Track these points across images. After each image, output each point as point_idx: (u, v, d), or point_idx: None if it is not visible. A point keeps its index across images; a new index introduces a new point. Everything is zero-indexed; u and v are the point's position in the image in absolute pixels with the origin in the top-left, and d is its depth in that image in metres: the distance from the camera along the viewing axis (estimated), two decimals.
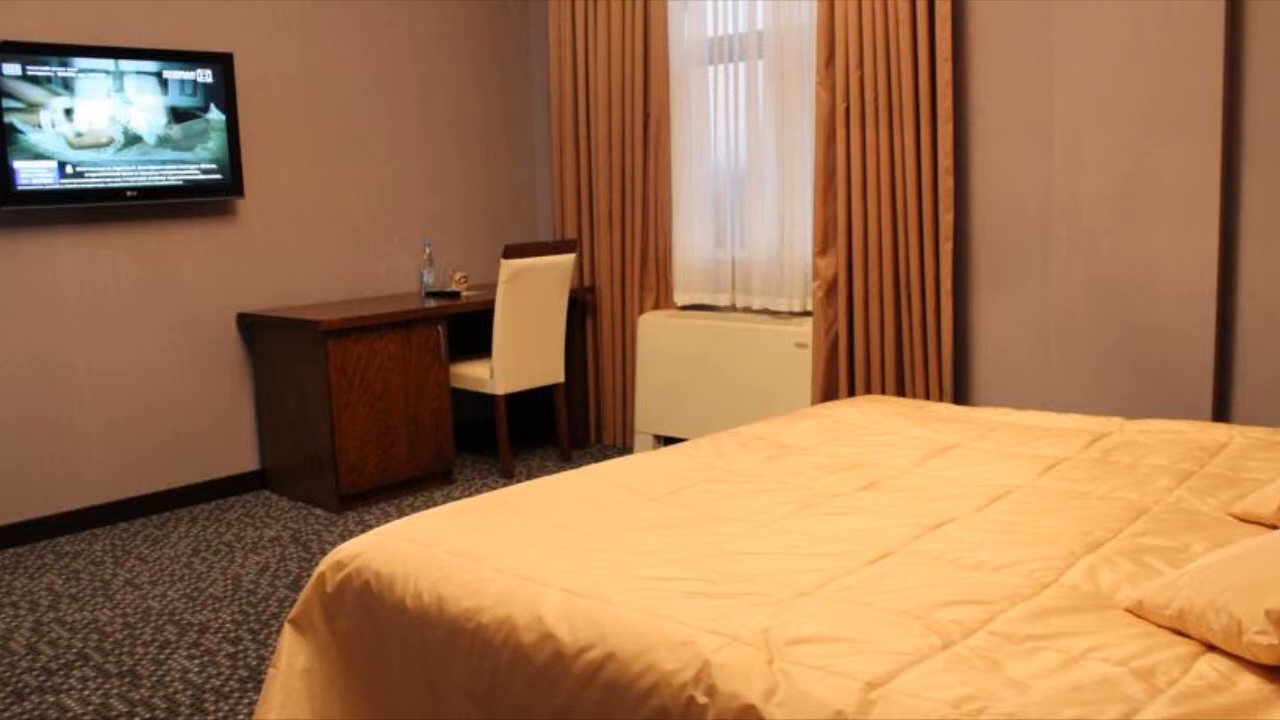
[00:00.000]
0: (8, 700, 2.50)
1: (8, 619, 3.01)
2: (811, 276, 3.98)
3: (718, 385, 4.26)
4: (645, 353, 4.50)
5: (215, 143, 3.95)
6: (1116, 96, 3.21)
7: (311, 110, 4.34)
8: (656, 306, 4.63)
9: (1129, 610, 1.51)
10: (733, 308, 4.44)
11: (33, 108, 3.50)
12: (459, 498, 3.96)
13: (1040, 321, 3.51)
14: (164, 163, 3.82)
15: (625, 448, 4.73)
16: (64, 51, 3.55)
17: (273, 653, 2.20)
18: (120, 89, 3.69)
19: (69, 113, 3.58)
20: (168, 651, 2.75)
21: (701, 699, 1.37)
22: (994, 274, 3.60)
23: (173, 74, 3.81)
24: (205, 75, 3.89)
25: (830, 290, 3.87)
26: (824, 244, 3.86)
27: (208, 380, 4.10)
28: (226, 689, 2.52)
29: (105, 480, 3.85)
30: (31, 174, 3.50)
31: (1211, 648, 1.38)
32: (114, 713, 2.43)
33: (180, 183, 3.87)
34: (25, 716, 2.42)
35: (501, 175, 5.07)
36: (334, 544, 3.56)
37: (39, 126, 3.52)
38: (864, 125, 3.71)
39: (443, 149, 4.82)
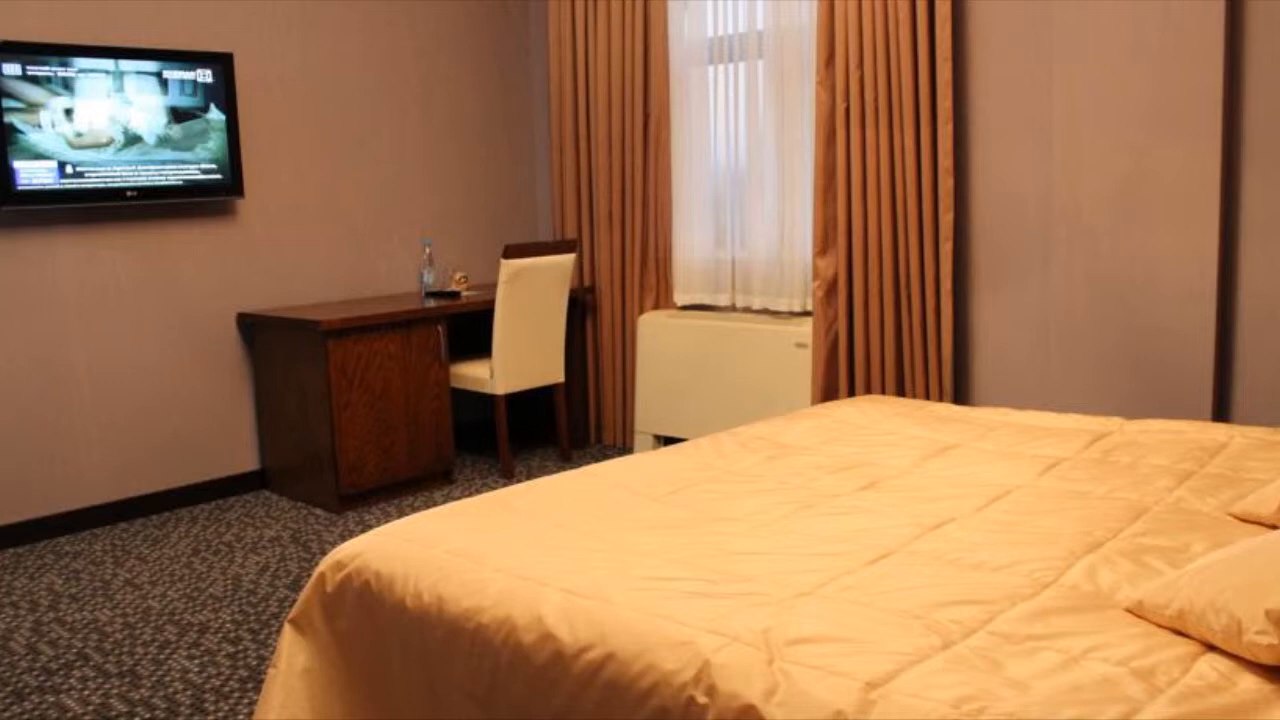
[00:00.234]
0: (8, 700, 2.50)
1: (8, 619, 3.01)
2: (811, 276, 3.98)
3: (718, 385, 4.26)
4: (645, 353, 4.50)
5: (215, 143, 3.95)
6: (1116, 96, 3.21)
7: (311, 110, 4.34)
8: (656, 306, 4.63)
9: (1129, 610, 1.51)
10: (733, 308, 4.44)
11: (33, 108, 3.50)
12: (459, 498, 3.96)
13: (1040, 321, 3.51)
14: (164, 163, 3.82)
15: (625, 448, 4.73)
16: (64, 51, 3.55)
17: (273, 653, 2.20)
18: (120, 89, 3.69)
19: (69, 113, 3.58)
20: (168, 651, 2.75)
21: (701, 699, 1.37)
22: (994, 274, 3.60)
23: (173, 74, 3.81)
24: (205, 75, 3.89)
25: (830, 290, 3.87)
26: (824, 244, 3.86)
27: (208, 380, 4.10)
28: (226, 689, 2.52)
29: (105, 480, 3.85)
30: (31, 174, 3.50)
31: (1211, 648, 1.38)
32: (114, 713, 2.43)
33: (180, 183, 3.87)
34: (25, 716, 2.43)
35: (501, 175, 5.07)
36: (334, 544, 3.56)
37: (39, 126, 3.52)
38: (864, 125, 3.71)
39: (443, 149, 4.82)
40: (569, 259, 4.36)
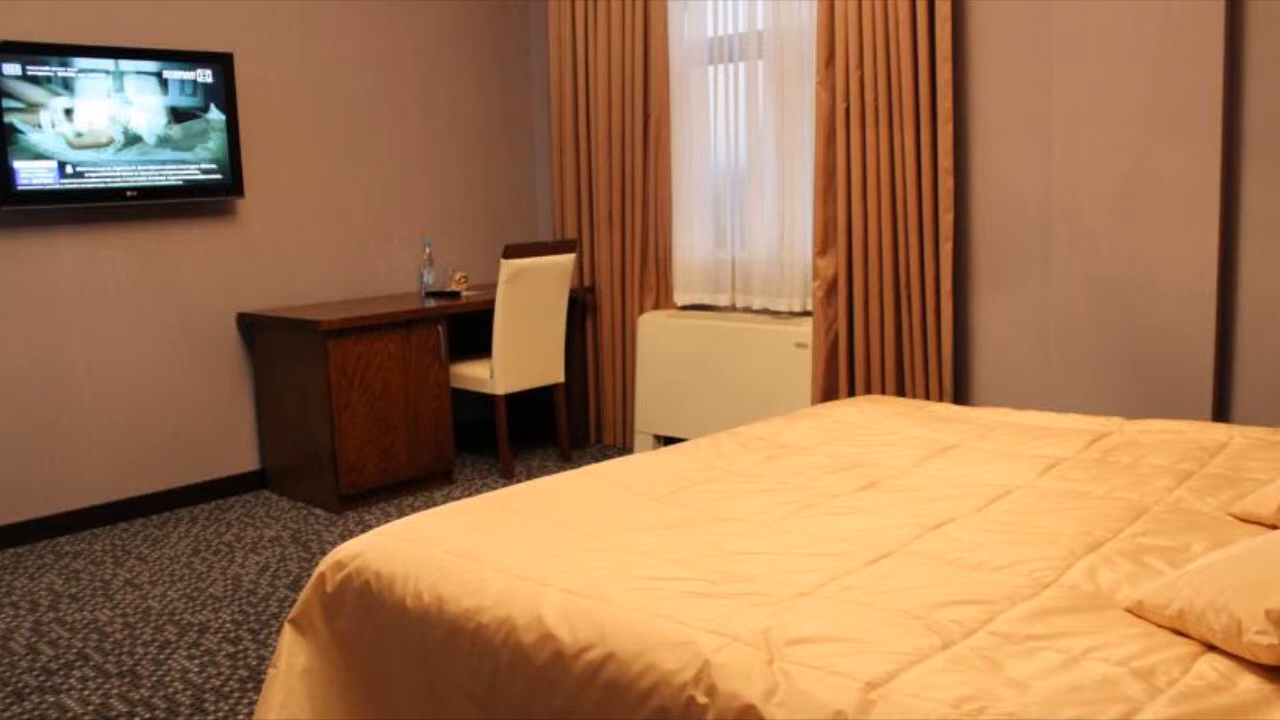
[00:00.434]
0: (8, 700, 2.50)
1: (8, 619, 3.01)
2: (811, 276, 3.98)
3: (718, 385, 4.26)
4: (645, 353, 4.50)
5: (215, 143, 3.95)
6: (1116, 96, 3.21)
7: (311, 110, 4.34)
8: (656, 306, 4.63)
9: (1129, 610, 1.51)
10: (733, 308, 4.44)
11: (33, 108, 3.50)
12: (459, 498, 3.96)
13: (1040, 321, 3.51)
14: (164, 163, 3.82)
15: (625, 448, 4.73)
16: (64, 51, 3.55)
17: (273, 653, 2.20)
18: (120, 89, 3.69)
19: (69, 113, 3.58)
20: (168, 651, 2.75)
21: (701, 699, 1.37)
22: (994, 274, 3.60)
23: (173, 74, 3.81)
24: (205, 75, 3.89)
25: (830, 290, 3.87)
26: (824, 244, 3.86)
27: (208, 380, 4.10)
28: (226, 689, 2.52)
29: (105, 480, 3.85)
30: (31, 174, 3.50)
31: (1211, 648, 1.38)
32: (114, 713, 2.43)
33: (180, 183, 3.87)
34: (25, 716, 2.42)
35: (501, 175, 5.07)
36: (334, 544, 3.56)
37: (39, 126, 3.52)
38: (864, 125, 3.71)
39: (443, 149, 4.82)
40: (569, 259, 4.36)
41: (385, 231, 4.64)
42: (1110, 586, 1.61)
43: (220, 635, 2.84)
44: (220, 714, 2.40)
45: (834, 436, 2.65)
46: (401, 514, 3.82)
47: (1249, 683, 1.28)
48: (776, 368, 4.06)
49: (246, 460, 4.25)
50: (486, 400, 4.97)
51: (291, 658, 1.94)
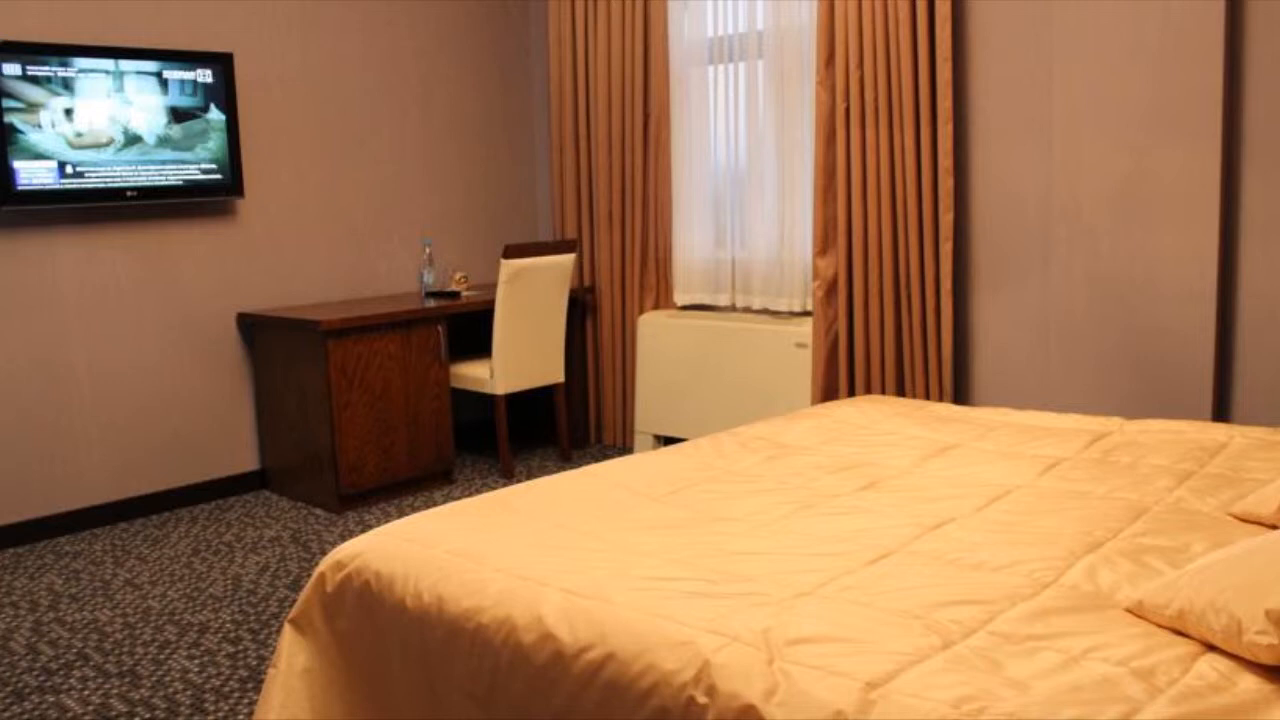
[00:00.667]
0: (8, 700, 2.50)
1: (8, 619, 3.01)
2: (811, 276, 3.98)
3: (718, 385, 4.26)
4: (645, 353, 4.50)
5: (215, 143, 3.95)
6: (1116, 96, 3.21)
7: (311, 110, 4.34)
8: (656, 306, 4.63)
9: (1129, 610, 1.51)
10: (733, 308, 4.44)
11: (33, 108, 3.50)
12: (459, 498, 3.96)
13: (1040, 321, 3.51)
14: (164, 163, 3.82)
15: (625, 448, 4.73)
16: (64, 51, 3.55)
17: (273, 653, 2.20)
18: (120, 89, 3.69)
19: (69, 113, 3.58)
20: (168, 651, 2.75)
21: (701, 699, 1.37)
22: (994, 274, 3.60)
23: (173, 74, 3.81)
24: (205, 75, 3.89)
25: (830, 290, 3.87)
26: (824, 244, 3.86)
27: (208, 380, 4.10)
28: (226, 689, 2.52)
29: (105, 480, 3.85)
30: (31, 174, 3.50)
31: (1211, 648, 1.38)
32: (114, 713, 2.43)
33: (180, 183, 3.87)
34: (25, 716, 2.43)
35: (501, 175, 5.07)
36: (334, 544, 3.56)
37: (39, 126, 3.52)
38: (864, 125, 3.71)
39: (443, 149, 4.82)
40: (569, 259, 4.36)
41: (385, 231, 4.64)
42: (1110, 586, 1.61)
43: (220, 635, 2.84)
44: (220, 714, 2.40)
45: (834, 436, 2.65)
46: (401, 514, 3.82)
47: (1249, 683, 1.28)
48: (776, 368, 4.06)
49: (246, 460, 4.25)
50: (486, 400, 4.97)
51: (291, 658, 1.94)
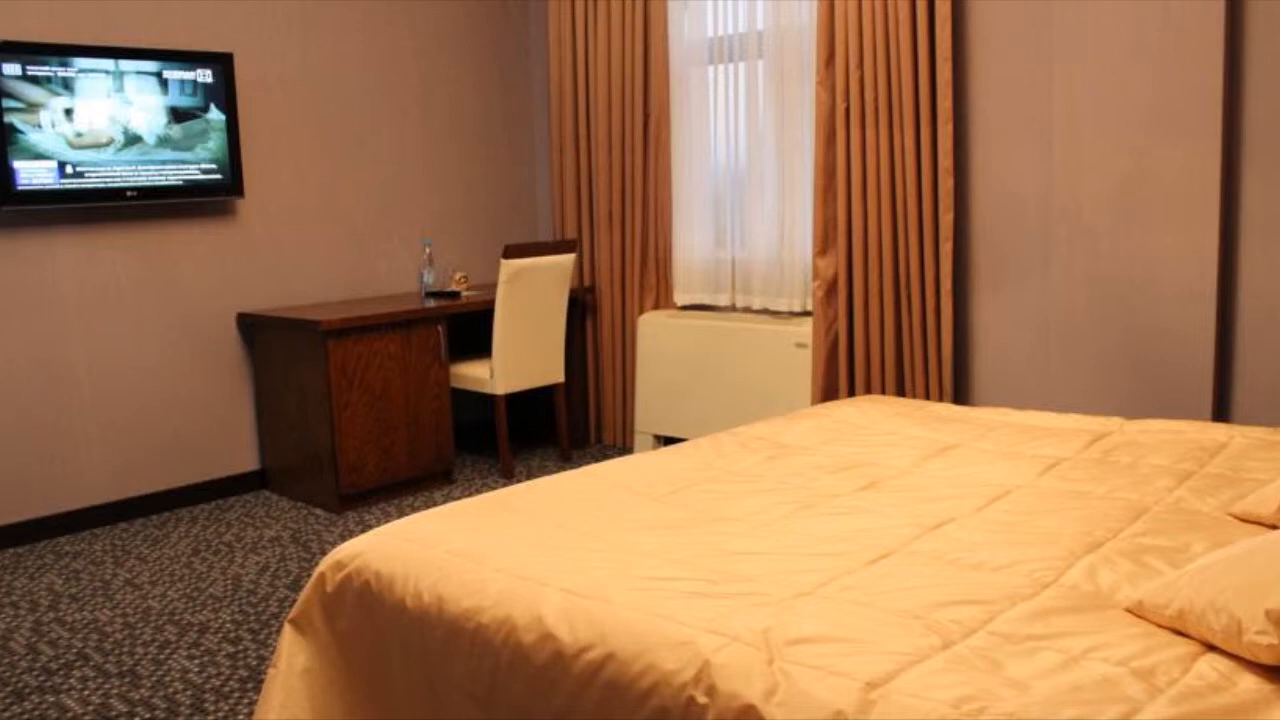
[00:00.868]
0: (8, 700, 2.50)
1: (8, 619, 3.01)
2: (811, 276, 3.98)
3: (718, 385, 4.26)
4: (645, 353, 4.50)
5: (215, 143, 3.95)
6: (1116, 96, 3.21)
7: (311, 110, 4.34)
8: (656, 306, 4.63)
9: (1129, 610, 1.51)
10: (733, 308, 4.44)
11: (33, 108, 3.50)
12: (459, 498, 3.96)
13: (1040, 321, 3.51)
14: (164, 163, 3.82)
15: (625, 448, 4.73)
16: (64, 51, 3.55)
17: (273, 653, 2.20)
18: (120, 89, 3.69)
19: (69, 113, 3.58)
20: (168, 651, 2.75)
21: (701, 699, 1.37)
22: (994, 274, 3.60)
23: (173, 74, 3.81)
24: (205, 75, 3.89)
25: (830, 290, 3.87)
26: (824, 244, 3.86)
27: (208, 380, 4.10)
28: (226, 689, 2.52)
29: (105, 480, 3.85)
30: (31, 174, 3.50)
31: (1211, 648, 1.38)
32: (114, 713, 2.43)
33: (180, 183, 3.87)
34: (25, 716, 2.43)
35: (501, 175, 5.07)
36: (334, 544, 3.56)
37: (39, 126, 3.52)
38: (864, 125, 3.71)
39: (443, 149, 4.82)
40: (569, 259, 4.36)
41: (385, 231, 4.64)
42: (1110, 586, 1.61)
43: (220, 635, 2.84)
44: (220, 714, 2.40)
45: (834, 436, 2.65)
46: (401, 514, 3.82)
47: (1249, 683, 1.28)
48: (776, 368, 4.06)
49: (246, 460, 4.25)
50: (486, 400, 4.97)
51: (291, 658, 1.94)
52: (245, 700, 2.46)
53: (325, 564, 1.95)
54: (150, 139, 3.78)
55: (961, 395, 3.72)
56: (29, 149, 3.49)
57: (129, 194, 3.74)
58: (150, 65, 3.76)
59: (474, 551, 1.84)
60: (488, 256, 5.04)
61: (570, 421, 4.76)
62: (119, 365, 3.86)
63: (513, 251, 4.11)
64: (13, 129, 3.45)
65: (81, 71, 3.59)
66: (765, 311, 4.30)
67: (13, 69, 3.44)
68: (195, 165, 3.90)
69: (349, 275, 4.53)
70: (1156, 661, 1.34)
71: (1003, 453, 2.45)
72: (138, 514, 3.94)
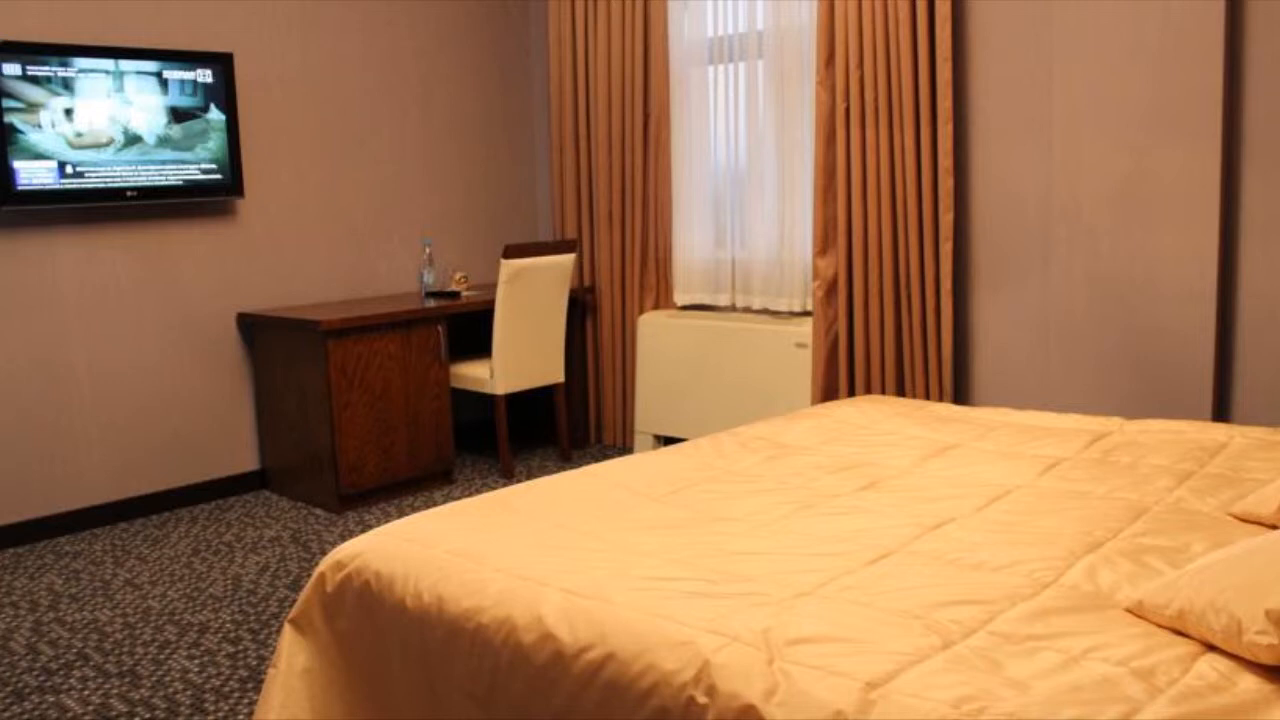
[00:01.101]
0: (8, 700, 2.50)
1: (8, 619, 3.01)
2: (811, 276, 3.98)
3: (718, 385, 4.26)
4: (645, 353, 4.50)
5: (215, 143, 3.95)
6: (1116, 96, 3.21)
7: (311, 110, 4.34)
8: (656, 306, 4.63)
9: (1129, 610, 1.51)
10: (733, 308, 4.44)
11: (33, 108, 3.50)
12: (459, 498, 3.96)
13: (1040, 321, 3.51)
14: (164, 163, 3.82)
15: (625, 448, 4.73)
16: (64, 51, 3.55)
17: (273, 653, 2.20)
18: (120, 89, 3.69)
19: (69, 113, 3.58)
20: (168, 651, 2.75)
21: (701, 699, 1.37)
22: (994, 274, 3.60)
23: (173, 74, 3.81)
24: (205, 75, 3.89)
25: (830, 290, 3.87)
26: (824, 244, 3.86)
27: (208, 380, 4.10)
28: (226, 689, 2.52)
29: (105, 480, 3.85)
30: (31, 174, 3.50)
31: (1211, 648, 1.38)
32: (114, 713, 2.43)
33: (180, 183, 3.87)
34: (25, 716, 2.43)
35: (501, 175, 5.07)
36: (334, 544, 3.56)
37: (39, 126, 3.52)
38: (864, 125, 3.71)
39: (443, 149, 4.82)
40: (569, 259, 4.36)
41: (385, 231, 4.64)
42: (1110, 586, 1.61)
43: (220, 635, 2.84)
44: (220, 714, 2.40)
45: (834, 436, 2.65)
46: (401, 514, 3.82)
47: (1249, 683, 1.28)
48: (776, 368, 4.06)
49: (246, 460, 4.25)
50: (486, 400, 4.97)
51: (291, 658, 1.94)
52: (245, 700, 2.46)
53: (325, 564, 1.95)
54: (150, 139, 3.78)
55: (961, 395, 3.72)
56: (29, 149, 3.49)
57: (129, 194, 3.74)
58: (150, 65, 3.76)
59: (474, 551, 1.84)
60: (488, 256, 5.04)
61: (570, 421, 4.76)
62: (119, 365, 3.86)
63: (513, 251, 4.11)
64: (13, 129, 3.45)
65: (81, 71, 3.59)
66: (765, 311, 4.30)
67: (13, 69, 3.44)
68: (195, 165, 3.90)
69: (349, 275, 4.53)
70: (1156, 661, 1.34)
71: (1003, 453, 2.45)
72: (138, 514, 3.94)
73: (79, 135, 3.61)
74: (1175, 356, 3.17)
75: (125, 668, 2.66)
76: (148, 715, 2.41)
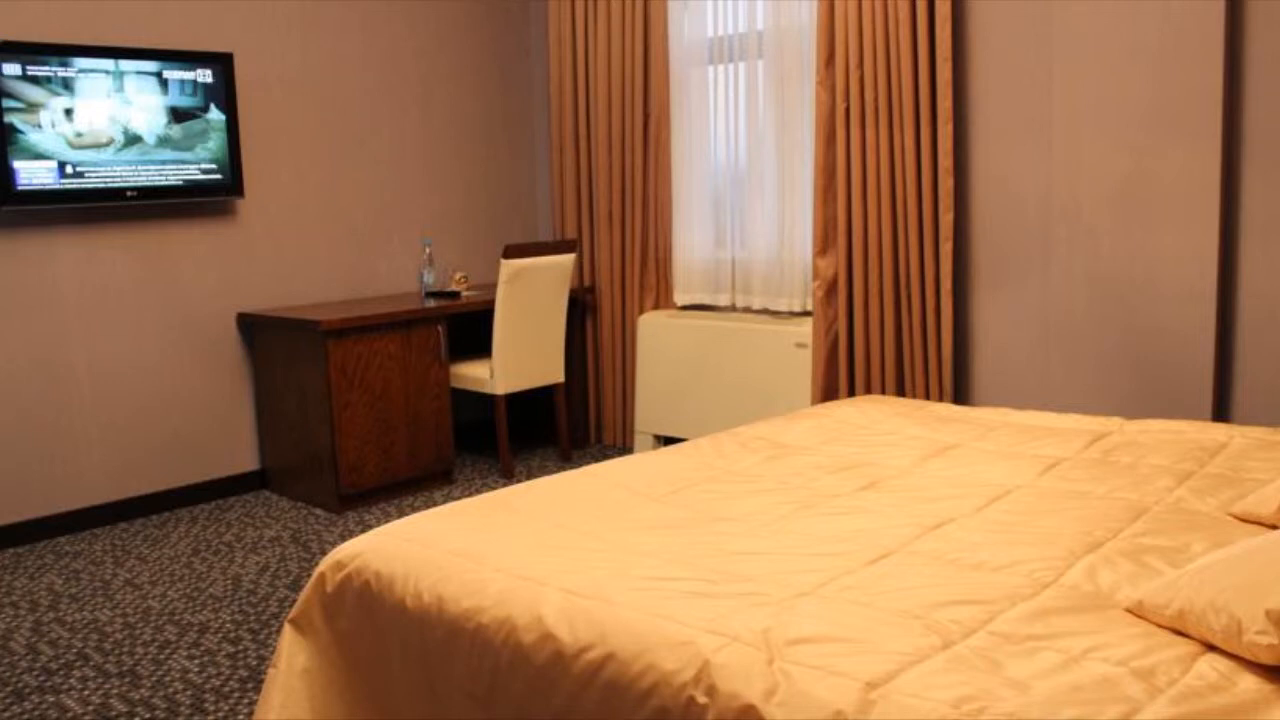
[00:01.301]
0: (8, 700, 2.50)
1: (8, 619, 3.01)
2: (811, 276, 3.98)
3: (718, 385, 4.26)
4: (645, 353, 4.50)
5: (215, 143, 3.95)
6: (1116, 96, 3.21)
7: (311, 110, 4.34)
8: (656, 306, 4.63)
9: (1129, 610, 1.51)
10: (733, 308, 4.44)
11: (33, 108, 3.50)
12: (459, 498, 3.96)
13: (1040, 321, 3.51)
14: (164, 163, 3.82)
15: (625, 448, 4.73)
16: (64, 51, 3.55)
17: (273, 653, 2.20)
18: (120, 89, 3.69)
19: (69, 113, 3.58)
20: (168, 651, 2.75)
21: (701, 699, 1.37)
22: (994, 274, 3.60)
23: (173, 74, 3.81)
24: (205, 75, 3.89)
25: (830, 290, 3.87)
26: (824, 244, 3.86)
27: (208, 380, 4.10)
28: (226, 689, 2.52)
29: (105, 480, 3.85)
30: (31, 174, 3.50)
31: (1211, 648, 1.38)
32: (114, 713, 2.43)
33: (180, 183, 3.87)
34: (25, 716, 2.43)
35: (501, 175, 5.07)
36: (334, 544, 3.56)
37: (39, 126, 3.52)
38: (864, 125, 3.71)
39: (443, 149, 4.82)
40: (569, 259, 4.36)
41: (385, 231, 4.64)
42: (1110, 586, 1.61)
43: (220, 635, 2.84)
44: (220, 714, 2.40)
45: (834, 436, 2.65)
46: (401, 514, 3.82)
47: (1249, 683, 1.28)
48: (776, 368, 4.06)
49: (246, 460, 4.25)
50: (486, 400, 4.97)
51: (291, 658, 1.94)
52: (245, 700, 2.46)
53: (325, 564, 1.95)
54: (150, 139, 3.78)
55: (961, 395, 3.72)
56: (29, 149, 3.49)
57: (129, 194, 3.74)
58: (150, 65, 3.76)
59: (474, 551, 1.84)
60: (488, 256, 5.04)
61: (570, 421, 4.76)
62: (119, 365, 3.86)
63: (513, 251, 4.11)
64: (13, 129, 3.45)
65: (81, 71, 3.59)
66: (765, 311, 4.30)
67: (13, 69, 3.44)
68: (195, 165, 3.90)
69: (349, 275, 4.53)
70: (1156, 661, 1.34)
71: (1003, 453, 2.45)
72: (138, 514, 3.94)
73: (79, 135, 3.61)
74: (1175, 356, 3.17)
75: (125, 668, 2.66)
76: (148, 715, 2.41)
